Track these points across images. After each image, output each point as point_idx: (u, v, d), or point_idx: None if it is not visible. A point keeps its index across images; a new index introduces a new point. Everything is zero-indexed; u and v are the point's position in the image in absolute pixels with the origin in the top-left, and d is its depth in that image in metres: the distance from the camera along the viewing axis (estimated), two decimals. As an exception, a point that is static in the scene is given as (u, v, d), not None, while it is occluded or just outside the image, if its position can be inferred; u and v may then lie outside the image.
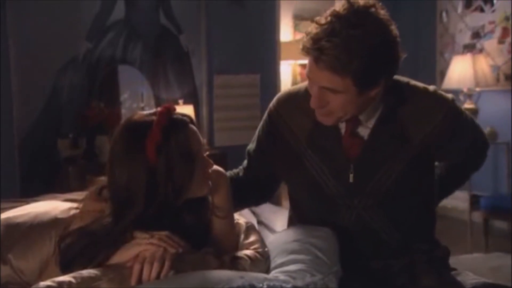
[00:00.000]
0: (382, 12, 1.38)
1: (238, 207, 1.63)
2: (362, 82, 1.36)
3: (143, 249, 1.34)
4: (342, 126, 1.52)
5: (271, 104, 1.66)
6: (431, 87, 1.57)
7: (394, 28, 1.40)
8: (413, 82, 1.57)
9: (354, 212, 1.50)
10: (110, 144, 1.42)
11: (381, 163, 1.49)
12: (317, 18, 1.37)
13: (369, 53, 1.33)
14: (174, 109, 1.42)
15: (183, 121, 1.40)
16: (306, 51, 1.37)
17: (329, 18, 1.35)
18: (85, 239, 1.38)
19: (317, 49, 1.33)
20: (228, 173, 1.63)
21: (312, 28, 1.37)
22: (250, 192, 1.72)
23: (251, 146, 1.72)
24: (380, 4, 1.40)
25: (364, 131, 1.50)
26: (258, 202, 1.84)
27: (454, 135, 1.55)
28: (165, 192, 1.35)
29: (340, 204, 1.51)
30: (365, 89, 1.39)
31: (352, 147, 1.51)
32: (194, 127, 1.42)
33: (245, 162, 1.74)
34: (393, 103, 1.49)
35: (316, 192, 1.55)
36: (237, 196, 1.56)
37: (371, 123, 1.49)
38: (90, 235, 1.39)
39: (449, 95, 1.57)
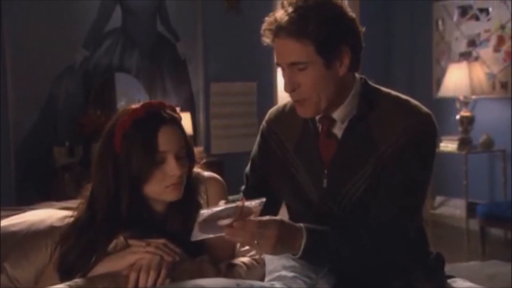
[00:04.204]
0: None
1: None
2: (323, 48, 1.40)
3: (139, 257, 1.34)
4: (321, 129, 1.53)
5: (263, 122, 1.70)
6: (414, 101, 1.52)
7: (347, 8, 1.45)
8: (395, 93, 1.54)
9: (335, 219, 1.50)
10: None
11: (353, 170, 1.48)
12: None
13: (324, 18, 1.39)
14: (164, 105, 1.44)
15: (162, 118, 1.41)
16: (266, 33, 1.45)
17: (283, 5, 1.44)
18: (81, 238, 1.39)
19: (274, 23, 1.42)
20: (230, 198, 1.63)
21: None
22: None
23: (247, 168, 1.73)
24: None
25: (339, 131, 1.51)
26: None
27: (403, 154, 1.44)
28: (126, 179, 1.38)
29: (323, 211, 1.52)
30: (329, 58, 1.41)
31: (328, 149, 1.51)
32: (178, 129, 1.43)
33: (243, 186, 1.74)
34: (366, 107, 1.49)
35: (303, 199, 1.55)
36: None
37: (345, 125, 1.50)
38: (84, 232, 1.40)
39: (427, 112, 1.49)
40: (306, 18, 1.39)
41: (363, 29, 1.46)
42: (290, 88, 1.45)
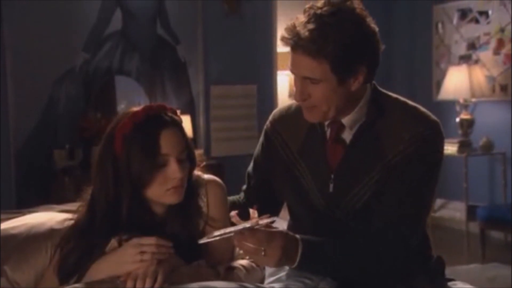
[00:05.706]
0: (358, 7, 1.42)
1: None
2: (339, 69, 1.39)
3: (136, 267, 1.33)
4: (329, 134, 1.53)
5: (267, 122, 1.69)
6: (422, 108, 1.52)
7: (370, 21, 1.43)
8: (403, 99, 1.54)
9: (337, 224, 1.50)
10: None
11: (360, 176, 1.48)
12: (297, 15, 1.43)
13: (344, 38, 1.37)
14: (165, 108, 1.43)
15: (163, 121, 1.40)
16: (285, 41, 1.42)
17: (306, 11, 1.41)
18: (81, 241, 1.39)
19: (294, 35, 1.39)
20: (231, 198, 1.63)
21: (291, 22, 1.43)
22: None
23: (250, 167, 1.73)
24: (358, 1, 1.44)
25: (347, 137, 1.51)
26: None
27: (410, 163, 1.44)
28: (127, 182, 1.37)
29: (325, 215, 1.51)
30: (343, 77, 1.41)
31: (335, 154, 1.51)
32: (179, 132, 1.42)
33: (245, 186, 1.74)
34: (375, 114, 1.49)
35: (306, 202, 1.55)
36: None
37: (353, 130, 1.50)
38: (84, 234, 1.40)
39: (435, 120, 1.49)
40: (326, 37, 1.36)
41: (383, 47, 1.44)
42: (301, 97, 1.45)
